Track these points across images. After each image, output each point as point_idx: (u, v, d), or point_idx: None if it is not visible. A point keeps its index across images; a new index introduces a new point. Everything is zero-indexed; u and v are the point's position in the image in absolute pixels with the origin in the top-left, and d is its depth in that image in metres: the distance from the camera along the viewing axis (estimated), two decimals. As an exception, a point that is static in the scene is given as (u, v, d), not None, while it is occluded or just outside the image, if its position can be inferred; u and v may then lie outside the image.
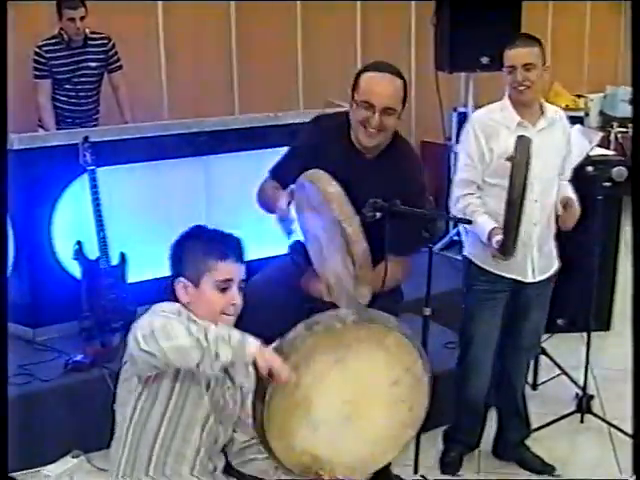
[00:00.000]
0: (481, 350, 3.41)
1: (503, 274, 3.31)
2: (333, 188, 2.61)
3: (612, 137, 7.27)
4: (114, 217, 4.02)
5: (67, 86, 5.14)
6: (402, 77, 2.86)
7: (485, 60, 5.16)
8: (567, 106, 7.29)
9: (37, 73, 5.07)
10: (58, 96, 5.17)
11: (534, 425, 3.78)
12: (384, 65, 2.89)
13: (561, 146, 3.31)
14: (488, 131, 3.24)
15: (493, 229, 3.10)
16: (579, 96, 7.92)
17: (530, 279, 3.33)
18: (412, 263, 3.01)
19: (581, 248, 3.89)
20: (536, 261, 3.32)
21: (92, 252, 3.98)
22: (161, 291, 4.28)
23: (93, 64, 5.17)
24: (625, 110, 7.28)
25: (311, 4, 6.44)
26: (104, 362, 3.75)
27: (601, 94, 8.01)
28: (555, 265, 3.44)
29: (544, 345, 4.28)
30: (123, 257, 4.04)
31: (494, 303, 3.35)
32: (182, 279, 2.23)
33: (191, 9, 5.94)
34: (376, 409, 2.21)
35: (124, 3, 5.53)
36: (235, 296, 2.23)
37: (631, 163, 2.91)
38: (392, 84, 2.83)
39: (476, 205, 3.22)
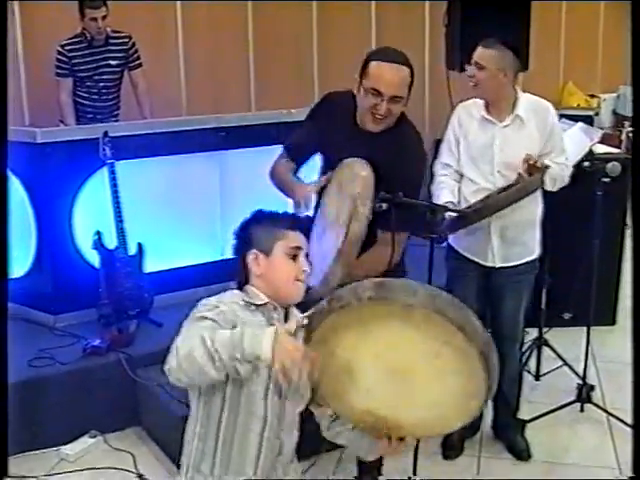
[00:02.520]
0: None
1: (467, 256, 3.51)
2: (365, 172, 2.78)
3: (624, 136, 7.33)
4: (132, 209, 4.16)
5: (89, 83, 5.28)
6: (409, 64, 2.93)
7: (495, 59, 5.25)
8: (578, 105, 7.35)
9: (59, 71, 5.20)
10: (80, 93, 5.31)
11: (537, 414, 3.89)
12: (392, 53, 2.95)
13: (533, 139, 3.38)
14: (461, 121, 3.46)
15: (446, 202, 3.29)
16: (592, 96, 7.98)
17: (490, 263, 3.48)
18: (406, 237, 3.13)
19: (583, 243, 3.98)
20: (496, 248, 3.45)
21: (111, 242, 4.12)
22: (177, 281, 4.46)
23: (114, 62, 5.31)
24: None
25: (327, 4, 6.54)
26: (121, 347, 3.90)
27: (614, 94, 8.06)
28: (528, 255, 3.53)
29: (547, 337, 4.39)
30: (140, 247, 4.19)
31: (464, 280, 3.51)
32: (254, 250, 2.30)
33: (209, 8, 6.06)
34: (426, 378, 2.07)
35: (144, 2, 5.67)
36: (305, 264, 2.30)
37: (631, 163, 2.99)
38: (400, 73, 2.90)
39: (446, 183, 3.41)
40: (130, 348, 3.93)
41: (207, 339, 1.96)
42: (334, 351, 2.02)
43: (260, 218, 2.36)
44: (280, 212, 2.40)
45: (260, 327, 2.06)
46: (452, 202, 3.34)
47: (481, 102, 3.44)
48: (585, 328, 4.03)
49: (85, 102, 5.32)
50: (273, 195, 3.19)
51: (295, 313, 2.33)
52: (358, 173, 2.79)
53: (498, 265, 3.49)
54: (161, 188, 4.46)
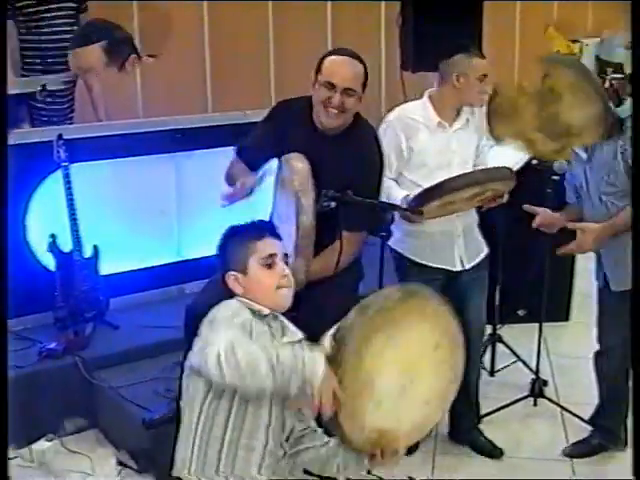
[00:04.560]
0: None
1: (432, 265, 3.49)
2: (301, 164, 2.88)
3: (607, 84, 7.15)
4: (88, 211, 4.14)
5: (44, 86, 5.26)
6: (363, 62, 3.05)
7: (448, 60, 5.30)
8: (558, 51, 7.16)
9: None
10: (34, 96, 5.28)
11: (491, 409, 3.95)
12: (346, 50, 3.09)
13: (474, 142, 3.52)
14: (408, 130, 3.41)
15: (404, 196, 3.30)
16: (574, 41, 7.69)
17: (459, 267, 3.53)
18: (364, 239, 3.17)
19: (535, 240, 4.04)
20: (462, 250, 3.52)
21: (66, 245, 4.09)
22: (133, 283, 4.45)
23: (69, 65, 5.28)
24: (621, 56, 6.91)
25: (282, 4, 6.55)
26: (77, 350, 3.89)
27: (597, 39, 7.75)
28: (484, 250, 3.64)
29: (501, 333, 4.45)
30: (96, 250, 4.16)
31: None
32: (231, 272, 2.33)
33: (165, 9, 6.05)
34: (425, 373, 2.28)
35: (100, 3, 5.64)
36: (283, 268, 2.33)
37: (632, 161, 3.10)
38: (353, 67, 3.02)
39: (392, 185, 3.37)
40: (86, 351, 3.92)
41: (272, 353, 2.04)
42: (363, 362, 2.14)
43: (229, 236, 2.38)
44: (247, 223, 2.40)
45: (312, 351, 2.11)
46: (408, 195, 3.31)
47: (419, 107, 3.46)
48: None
49: (39, 105, 5.29)
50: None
51: (287, 324, 2.35)
52: (295, 166, 2.87)
53: (467, 267, 3.54)
54: (116, 190, 4.45)
